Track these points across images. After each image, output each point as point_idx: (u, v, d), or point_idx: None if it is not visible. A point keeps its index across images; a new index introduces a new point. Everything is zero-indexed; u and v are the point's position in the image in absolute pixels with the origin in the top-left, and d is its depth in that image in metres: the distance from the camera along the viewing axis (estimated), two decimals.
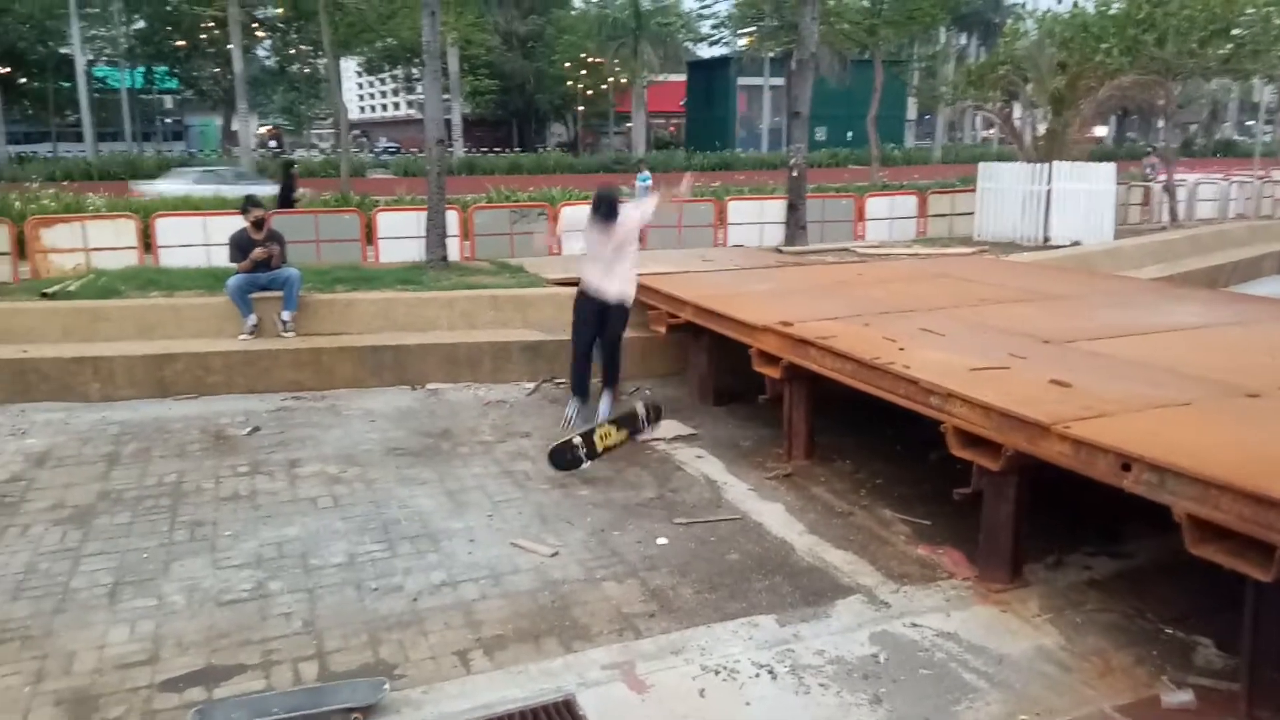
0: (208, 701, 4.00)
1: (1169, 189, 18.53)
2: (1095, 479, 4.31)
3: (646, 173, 17.44)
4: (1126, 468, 4.12)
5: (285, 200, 15.19)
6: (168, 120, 61.07)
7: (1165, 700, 4.02)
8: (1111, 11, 18.18)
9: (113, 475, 6.69)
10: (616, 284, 7.60)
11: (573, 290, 10.15)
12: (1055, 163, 15.20)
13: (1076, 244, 14.53)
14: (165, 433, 7.64)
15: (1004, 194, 15.49)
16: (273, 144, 56.31)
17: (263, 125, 58.63)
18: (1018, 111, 20.76)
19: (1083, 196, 14.98)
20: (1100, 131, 45.16)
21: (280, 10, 35.69)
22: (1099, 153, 22.68)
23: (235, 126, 38.37)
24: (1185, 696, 4.03)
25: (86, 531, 5.72)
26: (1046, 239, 14.93)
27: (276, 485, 6.53)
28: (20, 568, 5.23)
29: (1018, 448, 4.69)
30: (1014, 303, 8.16)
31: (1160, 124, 37.85)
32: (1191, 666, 4.28)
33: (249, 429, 7.70)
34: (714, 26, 50.05)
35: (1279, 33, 18.58)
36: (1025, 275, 10.05)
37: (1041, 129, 17.84)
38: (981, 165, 16.45)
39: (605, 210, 7.41)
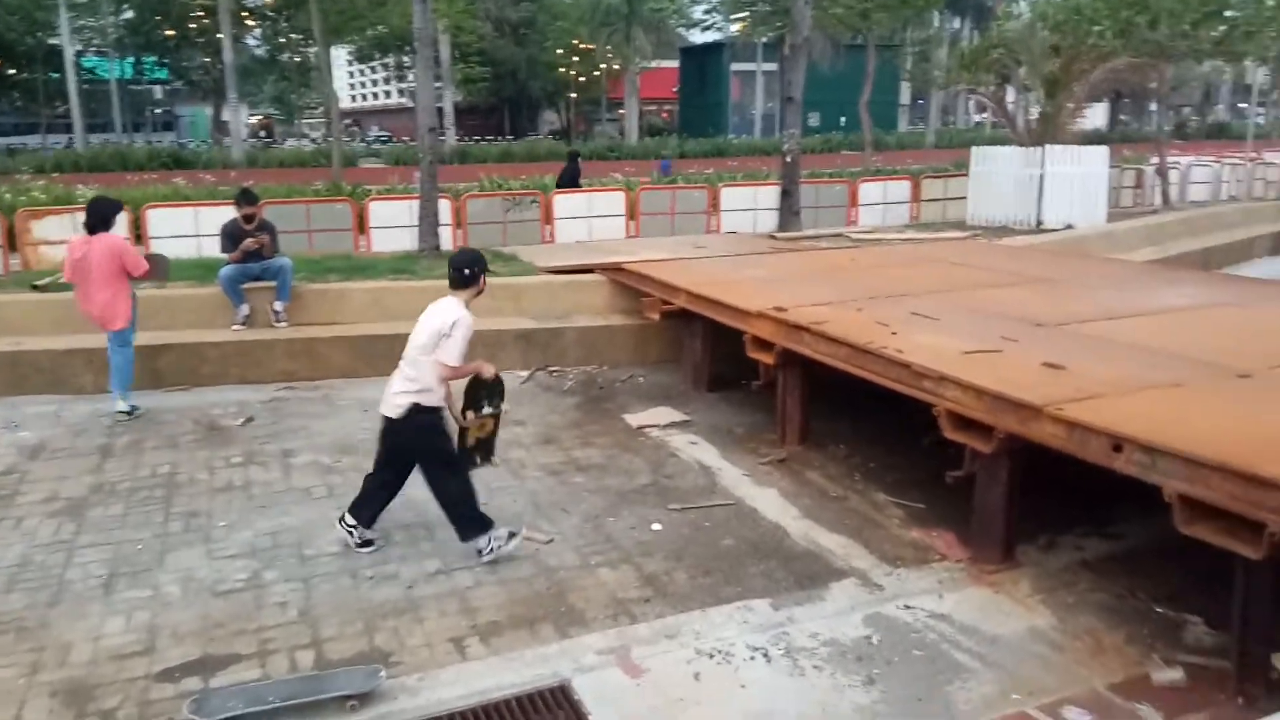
0: (204, 691, 4.01)
1: (1161, 171, 18.53)
2: (1087, 460, 4.34)
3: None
4: (1118, 449, 4.14)
5: (569, 183, 15.47)
6: (157, 110, 60.73)
7: (1156, 678, 4.06)
8: None
9: (106, 467, 6.68)
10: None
11: (566, 278, 10.20)
12: (1048, 146, 15.17)
13: (1070, 227, 14.53)
14: (158, 424, 7.62)
15: (997, 178, 15.45)
16: (263, 134, 56.03)
17: (253, 115, 58.37)
18: (1011, 95, 20.65)
19: (1076, 180, 14.97)
20: (1095, 116, 44.99)
21: None
22: (1091, 136, 22.59)
23: (226, 116, 38.21)
24: (1175, 674, 4.07)
25: (80, 523, 5.72)
26: (1040, 222, 14.92)
27: (271, 475, 6.53)
28: (15, 560, 5.23)
29: (1010, 430, 4.71)
30: (1007, 286, 8.17)
31: (1153, 107, 37.85)
32: (1181, 645, 4.32)
33: (242, 419, 7.69)
34: (706, 12, 49.83)
35: (1272, 14, 18.51)
36: (1018, 259, 10.06)
37: (1035, 112, 17.77)
38: (974, 149, 16.39)
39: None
